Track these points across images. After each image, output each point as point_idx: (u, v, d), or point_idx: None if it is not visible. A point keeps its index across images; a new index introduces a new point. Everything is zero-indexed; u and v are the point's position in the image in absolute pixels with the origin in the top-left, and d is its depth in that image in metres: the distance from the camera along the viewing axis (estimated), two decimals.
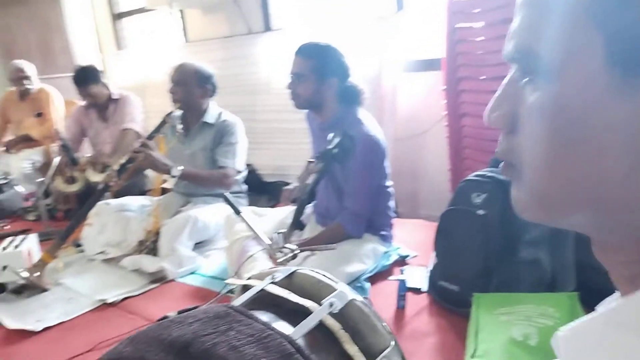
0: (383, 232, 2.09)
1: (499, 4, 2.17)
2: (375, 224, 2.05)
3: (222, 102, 2.81)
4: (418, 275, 1.97)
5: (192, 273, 2.25)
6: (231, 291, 1.11)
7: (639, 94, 0.29)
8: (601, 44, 0.30)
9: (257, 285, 0.92)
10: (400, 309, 1.75)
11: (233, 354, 0.67)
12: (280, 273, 0.95)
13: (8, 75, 4.22)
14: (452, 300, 1.71)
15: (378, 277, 1.99)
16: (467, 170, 2.32)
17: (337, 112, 2.03)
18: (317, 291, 0.91)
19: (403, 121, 3.06)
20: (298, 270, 0.96)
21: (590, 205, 0.34)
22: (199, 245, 2.44)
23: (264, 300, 0.90)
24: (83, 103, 3.63)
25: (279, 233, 1.61)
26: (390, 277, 2.00)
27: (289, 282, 0.94)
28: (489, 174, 1.69)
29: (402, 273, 1.81)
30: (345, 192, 2.00)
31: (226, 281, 1.51)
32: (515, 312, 1.38)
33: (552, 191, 0.35)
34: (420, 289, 1.87)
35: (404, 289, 1.77)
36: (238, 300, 0.88)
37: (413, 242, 2.33)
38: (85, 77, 3.33)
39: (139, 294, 2.08)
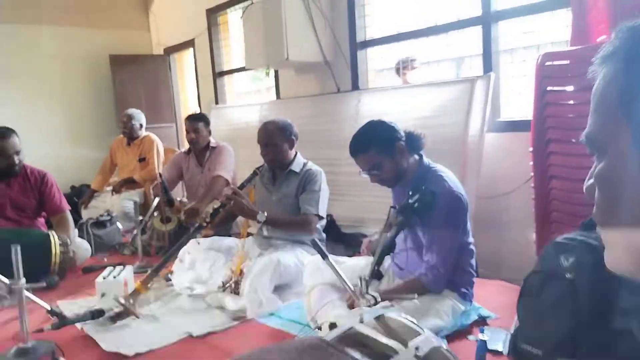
0: (463, 290, 2.06)
1: (590, 70, 2.16)
2: (455, 280, 2.03)
3: (308, 154, 2.95)
4: (499, 337, 1.90)
5: (271, 314, 2.32)
6: (319, 328, 1.16)
7: None
8: (629, 130, 0.39)
9: (347, 323, 0.97)
10: None
11: None
12: (368, 314, 1.00)
13: (118, 120, 4.72)
14: None
15: (456, 335, 1.94)
16: (554, 234, 2.25)
17: (416, 170, 2.07)
18: (403, 334, 0.95)
19: (487, 180, 3.04)
20: (385, 313, 1.01)
21: None
22: (278, 289, 2.52)
23: (352, 339, 0.95)
24: (184, 149, 3.98)
25: (362, 279, 1.64)
26: (470, 337, 1.94)
27: (376, 323, 0.98)
28: (579, 237, 1.63)
29: (481, 333, 1.76)
30: (426, 246, 2.00)
31: (319, 323, 1.56)
32: None
33: (613, 244, 0.45)
34: (501, 351, 1.81)
35: (484, 350, 1.72)
36: (329, 335, 0.94)
37: (494, 303, 2.26)
38: (198, 116, 3.81)
39: (221, 330, 2.17)
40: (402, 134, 2.05)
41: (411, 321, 0.91)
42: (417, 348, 0.81)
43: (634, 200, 0.39)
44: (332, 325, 0.95)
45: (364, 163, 2.05)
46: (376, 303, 1.62)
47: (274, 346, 0.78)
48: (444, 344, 0.87)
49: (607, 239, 0.44)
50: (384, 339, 0.85)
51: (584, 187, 0.46)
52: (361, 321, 0.91)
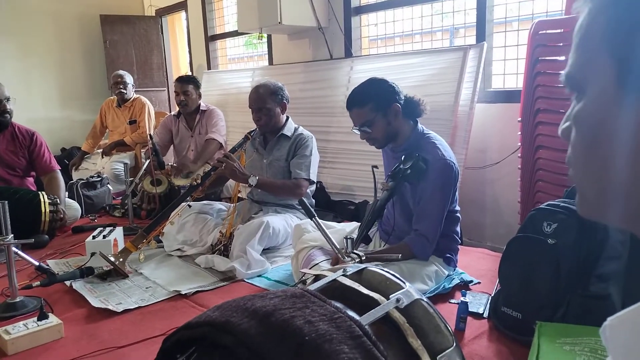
0: (448, 255, 2.08)
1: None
2: (440, 246, 2.04)
3: (299, 121, 2.93)
4: (480, 301, 1.93)
5: (259, 276, 2.34)
6: (303, 282, 1.17)
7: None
8: (613, 66, 0.37)
9: (330, 275, 0.98)
10: (460, 331, 1.73)
11: (308, 326, 0.74)
12: (351, 268, 1.00)
13: (109, 82, 4.62)
14: (513, 327, 1.66)
15: (439, 298, 1.97)
16: (538, 204, 2.26)
17: (410, 136, 2.05)
18: (384, 287, 0.95)
19: (475, 151, 3.05)
20: (368, 267, 1.01)
21: (618, 199, 0.39)
22: (266, 251, 2.54)
23: (335, 292, 0.96)
24: (173, 113, 3.93)
25: (347, 238, 1.65)
26: (452, 300, 1.98)
27: (359, 276, 0.99)
28: (562, 204, 1.65)
29: (463, 296, 1.79)
30: (416, 214, 2.00)
31: (302, 270, 1.57)
32: (580, 343, 1.34)
33: (586, 187, 0.43)
34: (481, 314, 1.84)
35: (465, 311, 1.75)
36: (312, 287, 0.94)
37: (476, 270, 2.30)
38: (188, 79, 3.74)
39: (210, 290, 2.19)
40: (402, 96, 2.02)
41: (393, 274, 0.92)
42: (398, 300, 0.82)
43: (613, 139, 0.38)
44: (316, 278, 0.95)
45: (358, 117, 2.02)
46: (361, 262, 1.63)
47: (257, 294, 0.78)
48: (425, 298, 0.88)
49: (580, 182, 0.43)
50: (365, 291, 0.85)
51: (559, 130, 0.45)
52: (345, 275, 0.91)
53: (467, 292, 1.94)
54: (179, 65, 6.24)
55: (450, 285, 2.05)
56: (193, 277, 2.31)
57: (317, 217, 1.70)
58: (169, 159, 4.07)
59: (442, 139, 2.07)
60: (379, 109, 1.98)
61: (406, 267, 1.93)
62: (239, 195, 2.81)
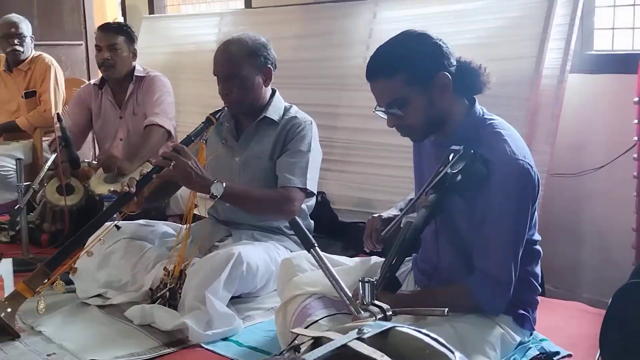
0: (521, 312, 2.09)
1: None
2: (511, 297, 2.06)
3: (292, 97, 2.96)
4: None
5: (226, 339, 2.35)
6: (295, 349, 1.18)
7: None
8: None
9: (338, 339, 0.99)
10: None
11: None
12: (371, 328, 1.02)
13: None
14: None
15: None
16: None
17: (464, 123, 2.06)
18: (422, 359, 0.96)
19: (566, 148, 3.06)
20: (396, 327, 1.03)
21: None
22: (237, 300, 2.56)
23: None
24: (94, 80, 3.95)
25: (365, 282, 1.66)
26: None
27: (382, 341, 1.00)
28: None
29: None
30: (477, 246, 2.01)
31: (294, 330, 1.59)
32: None
33: None
34: None
35: None
36: (310, 356, 0.95)
37: (567, 335, 2.32)
38: (118, 28, 3.77)
39: None
40: (453, 61, 2.02)
41: (435, 339, 0.93)
42: None
43: None
44: (316, 343, 0.96)
45: (384, 93, 2.01)
46: (385, 319, 1.63)
47: None
48: None
49: None
50: None
51: None
52: (360, 338, 0.93)
53: None
54: (104, 7, 6.28)
55: (524, 359, 2.06)
56: (121, 340, 2.33)
57: (317, 248, 1.71)
58: (87, 153, 4.10)
59: (513, 128, 2.09)
60: (417, 81, 1.98)
61: (457, 329, 1.94)
62: (195, 211, 2.82)
